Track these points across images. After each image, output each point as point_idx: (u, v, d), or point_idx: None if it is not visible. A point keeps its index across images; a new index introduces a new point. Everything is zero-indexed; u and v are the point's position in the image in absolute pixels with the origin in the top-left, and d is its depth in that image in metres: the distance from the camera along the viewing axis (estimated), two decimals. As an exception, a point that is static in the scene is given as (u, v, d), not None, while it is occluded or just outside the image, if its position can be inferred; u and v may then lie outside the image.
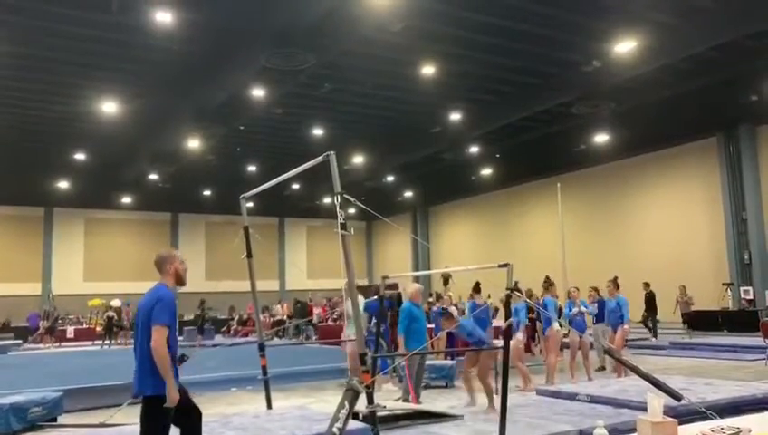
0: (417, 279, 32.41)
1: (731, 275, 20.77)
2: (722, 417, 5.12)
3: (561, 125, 21.14)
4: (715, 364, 12.40)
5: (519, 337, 9.69)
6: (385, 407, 7.88)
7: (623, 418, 5.89)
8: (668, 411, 5.68)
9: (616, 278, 10.57)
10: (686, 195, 22.77)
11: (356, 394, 4.29)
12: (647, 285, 18.29)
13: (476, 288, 11.79)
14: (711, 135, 21.69)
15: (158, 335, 3.67)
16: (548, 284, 10.67)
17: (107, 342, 22.68)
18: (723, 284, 20.47)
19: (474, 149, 23.90)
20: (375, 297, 11.89)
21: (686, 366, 12.08)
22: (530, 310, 11.59)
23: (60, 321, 26.27)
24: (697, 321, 19.06)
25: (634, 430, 3.73)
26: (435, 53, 16.06)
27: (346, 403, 4.15)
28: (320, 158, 5.21)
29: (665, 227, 23.18)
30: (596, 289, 10.98)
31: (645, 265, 22.86)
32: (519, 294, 8.95)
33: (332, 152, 5.06)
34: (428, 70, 16.80)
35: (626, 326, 10.19)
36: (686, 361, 13.17)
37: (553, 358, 10.13)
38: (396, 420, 6.54)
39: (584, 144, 23.38)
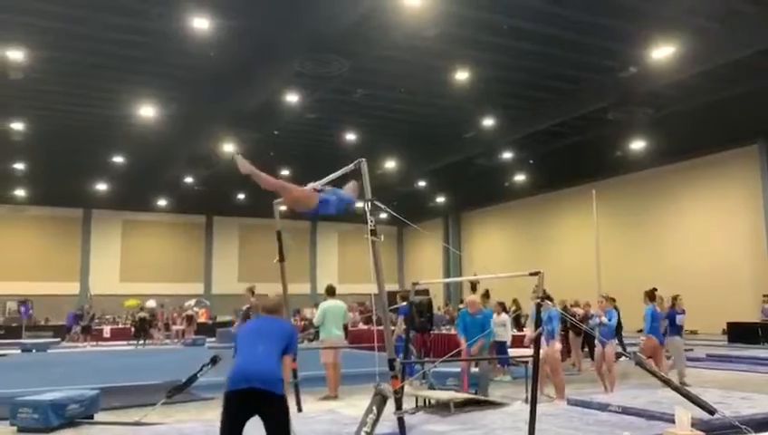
0: (447, 286, 32.38)
1: (772, 286, 20.23)
2: (757, 432, 5.00)
3: (597, 131, 20.88)
4: (754, 378, 12.08)
5: (557, 346, 9.46)
6: (414, 412, 7.92)
7: (654, 430, 5.79)
8: (702, 425, 5.59)
9: (651, 290, 10.39)
10: (726, 203, 22.26)
11: (384, 399, 4.32)
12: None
13: (486, 295, 11.99)
14: (752, 142, 21.19)
15: (290, 366, 4.55)
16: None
17: (141, 342, 23.12)
18: (764, 295, 19.94)
19: (507, 155, 23.75)
20: (405, 303, 11.94)
21: (723, 379, 11.79)
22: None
23: (97, 320, 26.88)
24: (736, 333, 18.62)
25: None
26: (469, 59, 16.04)
27: (374, 408, 4.18)
28: (351, 166, 5.26)
29: (703, 236, 22.69)
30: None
31: (682, 274, 22.39)
32: (550, 303, 8.83)
33: (363, 159, 5.10)
34: (462, 75, 16.77)
35: (642, 338, 10.04)
36: (723, 374, 12.85)
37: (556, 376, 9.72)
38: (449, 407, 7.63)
39: (620, 151, 23.04)
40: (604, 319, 10.10)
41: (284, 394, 4.05)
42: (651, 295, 10.30)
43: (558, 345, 9.50)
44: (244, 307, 12.15)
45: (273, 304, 4.66)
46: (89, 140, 22.53)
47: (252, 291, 12.01)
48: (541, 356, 9.29)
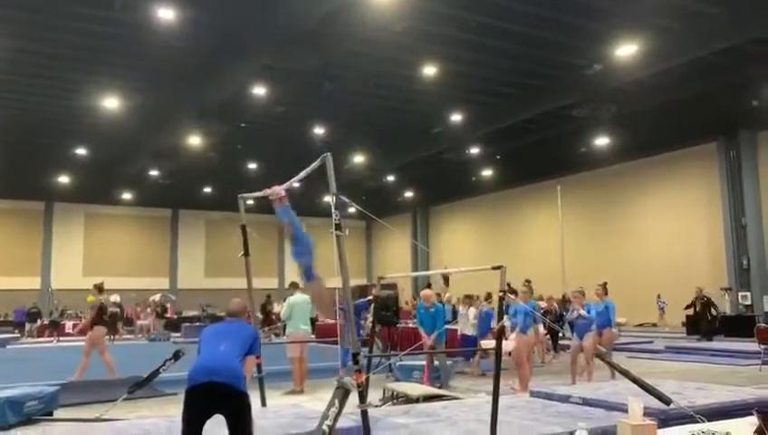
0: (415, 280, 32.56)
1: (729, 279, 20.81)
2: (710, 421, 5.15)
3: (562, 128, 21.16)
4: (710, 369, 12.43)
5: (523, 339, 9.59)
6: (379, 405, 7.97)
7: (612, 420, 5.88)
8: (658, 415, 5.73)
9: (605, 283, 10.59)
10: (686, 199, 22.81)
11: (346, 392, 4.33)
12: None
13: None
14: (711, 140, 21.72)
15: (254, 364, 4.68)
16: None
17: (111, 337, 22.66)
18: (721, 288, 20.50)
19: (474, 151, 23.92)
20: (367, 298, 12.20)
21: (681, 370, 12.10)
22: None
23: (60, 314, 26.31)
24: (694, 325, 19.09)
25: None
26: (436, 54, 16.09)
27: (336, 401, 4.19)
28: (317, 162, 5.25)
29: (664, 230, 23.22)
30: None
31: (644, 268, 22.92)
32: (513, 297, 8.94)
33: (328, 154, 5.09)
34: (430, 70, 16.83)
35: (614, 330, 10.17)
36: (681, 365, 13.20)
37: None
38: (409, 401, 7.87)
39: (585, 147, 23.41)
40: (583, 312, 10.22)
41: (246, 391, 4.06)
42: (606, 289, 10.45)
43: (524, 338, 9.60)
44: (93, 306, 11.28)
45: (237, 308, 4.79)
46: (50, 131, 22.01)
47: (99, 288, 11.32)
48: (508, 349, 9.49)
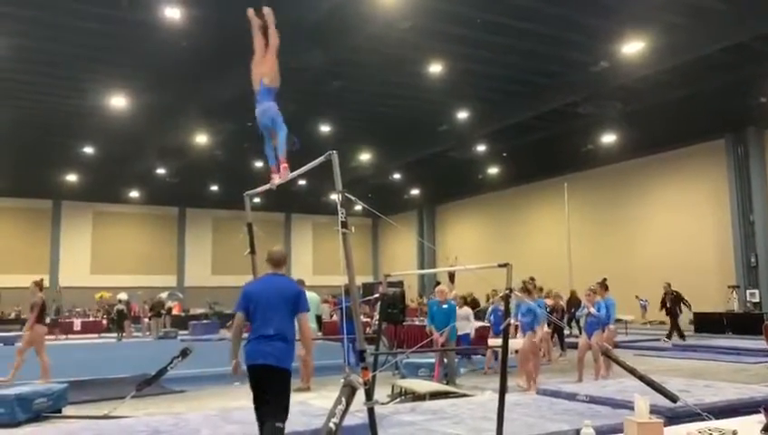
0: (422, 278, 32.52)
1: (737, 277, 20.69)
2: (718, 419, 5.14)
3: (569, 125, 21.09)
4: (717, 367, 12.38)
5: (532, 338, 9.58)
6: (386, 402, 7.99)
7: (619, 418, 5.88)
8: (665, 413, 5.72)
9: (605, 280, 10.56)
10: (694, 196, 22.68)
11: (353, 390, 4.34)
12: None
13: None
14: (719, 137, 21.58)
15: (309, 322, 4.75)
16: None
17: (120, 335, 22.80)
18: (729, 286, 20.40)
19: (481, 148, 23.89)
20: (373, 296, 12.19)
21: (688, 368, 12.07)
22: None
23: (66, 313, 26.45)
24: (703, 323, 19.02)
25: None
26: (442, 52, 16.07)
27: (343, 399, 4.20)
28: (322, 158, 5.26)
29: (671, 228, 23.10)
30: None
31: (651, 265, 22.81)
32: (519, 294, 8.91)
33: (334, 152, 5.10)
34: (436, 68, 16.81)
35: (611, 327, 10.15)
36: (688, 362, 13.15)
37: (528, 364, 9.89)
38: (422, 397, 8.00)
39: (591, 144, 23.32)
40: (592, 310, 10.19)
41: (290, 368, 4.61)
42: (606, 286, 10.43)
43: (534, 337, 9.58)
44: (31, 302, 11.03)
45: (280, 256, 4.86)
46: (58, 130, 22.11)
47: (39, 285, 11.13)
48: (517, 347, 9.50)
